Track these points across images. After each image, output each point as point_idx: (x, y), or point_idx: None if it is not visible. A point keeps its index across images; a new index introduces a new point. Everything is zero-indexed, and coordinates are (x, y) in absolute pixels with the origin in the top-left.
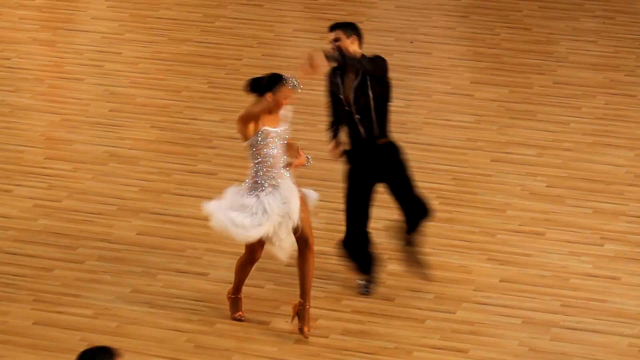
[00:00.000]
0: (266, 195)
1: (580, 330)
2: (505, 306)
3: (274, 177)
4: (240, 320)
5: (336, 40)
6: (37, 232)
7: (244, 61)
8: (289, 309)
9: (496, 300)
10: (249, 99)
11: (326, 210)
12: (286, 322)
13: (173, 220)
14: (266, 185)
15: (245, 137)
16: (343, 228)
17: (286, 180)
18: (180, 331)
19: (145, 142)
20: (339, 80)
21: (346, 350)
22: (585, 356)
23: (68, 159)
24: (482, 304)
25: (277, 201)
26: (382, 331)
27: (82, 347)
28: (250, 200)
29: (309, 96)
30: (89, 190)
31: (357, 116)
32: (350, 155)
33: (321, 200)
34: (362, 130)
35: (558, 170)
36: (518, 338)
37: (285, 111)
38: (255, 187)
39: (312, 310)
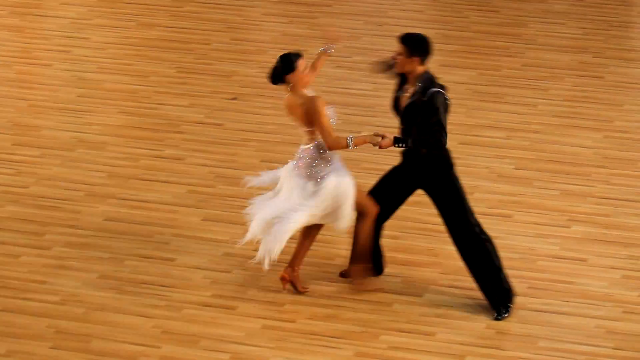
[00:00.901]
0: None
1: (547, 312)
2: (472, 289)
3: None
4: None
5: (399, 54)
6: (4, 218)
7: (212, 46)
8: (256, 294)
9: (463, 283)
10: (216, 84)
11: None
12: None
13: (140, 205)
14: (327, 164)
15: (316, 122)
16: None
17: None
18: (147, 317)
19: (113, 127)
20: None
21: (313, 334)
22: (553, 338)
23: (35, 144)
24: (449, 286)
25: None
26: (350, 315)
27: (50, 334)
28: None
29: None
30: (56, 176)
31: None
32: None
33: None
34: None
35: (526, 153)
36: (485, 321)
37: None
38: (317, 168)
39: (277, 295)
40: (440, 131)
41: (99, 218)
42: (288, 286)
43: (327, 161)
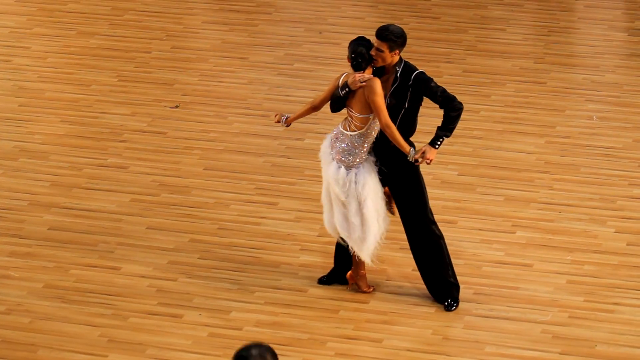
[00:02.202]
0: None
1: (493, 317)
2: (417, 295)
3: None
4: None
5: (379, 50)
6: None
7: (153, 54)
8: (202, 302)
9: (409, 289)
10: (158, 92)
11: (237, 202)
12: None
13: (85, 214)
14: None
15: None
16: (253, 219)
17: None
18: (93, 326)
19: (55, 136)
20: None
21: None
22: (498, 343)
23: None
24: (395, 293)
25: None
26: (296, 322)
27: None
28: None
29: (219, 88)
30: None
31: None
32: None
33: (231, 192)
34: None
35: (468, 159)
36: (432, 327)
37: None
38: (352, 157)
39: (223, 303)
40: (445, 90)
41: (43, 227)
42: (353, 286)
43: (364, 153)
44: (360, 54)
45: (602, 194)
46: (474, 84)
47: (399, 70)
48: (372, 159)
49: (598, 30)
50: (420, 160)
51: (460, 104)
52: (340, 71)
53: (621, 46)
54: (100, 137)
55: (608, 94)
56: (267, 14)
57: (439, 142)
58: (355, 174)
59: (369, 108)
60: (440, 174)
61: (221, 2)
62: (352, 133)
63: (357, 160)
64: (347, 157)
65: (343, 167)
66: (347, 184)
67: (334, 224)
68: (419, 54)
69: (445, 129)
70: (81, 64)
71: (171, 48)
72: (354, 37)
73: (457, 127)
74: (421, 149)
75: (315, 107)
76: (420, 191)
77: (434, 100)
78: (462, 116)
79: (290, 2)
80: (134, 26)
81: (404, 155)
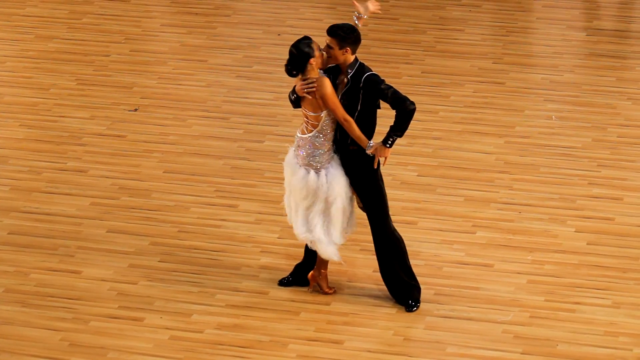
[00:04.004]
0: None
1: (454, 318)
2: (378, 297)
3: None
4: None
5: (329, 47)
6: None
7: (111, 57)
8: (163, 305)
9: (370, 290)
10: (117, 95)
11: (197, 205)
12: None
13: (44, 218)
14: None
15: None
16: (213, 222)
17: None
18: (54, 330)
19: (14, 140)
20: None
21: (221, 344)
22: (460, 344)
23: None
24: (355, 294)
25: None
26: (257, 324)
27: None
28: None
29: (178, 91)
30: None
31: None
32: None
33: (191, 195)
34: (337, 133)
35: (428, 159)
36: (393, 328)
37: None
38: (318, 158)
39: (184, 305)
40: (397, 91)
41: (3, 232)
42: (315, 287)
43: (328, 152)
44: (290, 55)
45: (562, 193)
46: (433, 84)
47: (351, 72)
48: (338, 159)
49: (556, 30)
50: (375, 155)
51: (413, 104)
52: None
53: (580, 46)
54: (59, 141)
55: (567, 93)
56: (226, 16)
57: (389, 142)
58: (326, 175)
59: (321, 106)
60: (400, 175)
61: (179, 4)
62: (310, 135)
63: (324, 160)
64: (313, 160)
65: (312, 171)
66: (319, 187)
67: (299, 226)
68: (377, 55)
69: (397, 129)
70: (40, 68)
71: (130, 51)
72: (313, 38)
73: (416, 128)
74: (374, 145)
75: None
76: (379, 195)
77: (386, 101)
78: (421, 117)
79: (249, 4)
80: (92, 29)
81: (364, 158)
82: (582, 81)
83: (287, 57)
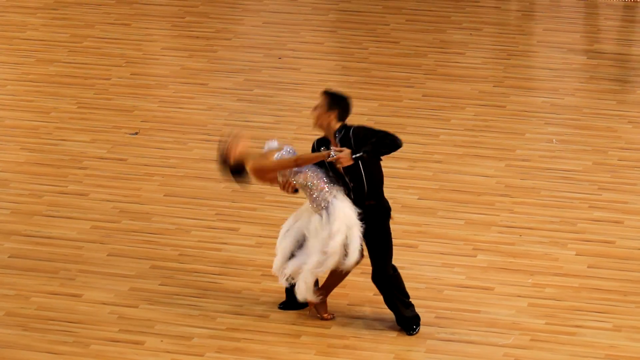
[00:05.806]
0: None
1: (455, 341)
2: (379, 320)
3: None
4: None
5: (317, 106)
6: None
7: (112, 81)
8: (164, 328)
9: (370, 314)
10: (118, 119)
11: (197, 228)
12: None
13: (45, 242)
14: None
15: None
16: (214, 245)
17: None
18: (55, 353)
19: (15, 164)
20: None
21: None
22: None
23: None
24: (356, 317)
25: None
26: (258, 348)
27: None
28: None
29: (178, 114)
30: None
31: (351, 184)
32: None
33: (192, 218)
34: (352, 194)
35: (429, 183)
36: (394, 351)
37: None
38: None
39: (185, 329)
40: (386, 132)
41: (4, 255)
42: (312, 310)
43: (325, 187)
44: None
45: (563, 216)
46: (434, 107)
47: (339, 136)
48: (342, 192)
49: (557, 53)
50: (333, 157)
51: (400, 140)
52: (298, 95)
53: (580, 69)
54: (60, 165)
55: (568, 116)
56: (227, 39)
57: (357, 155)
58: (327, 209)
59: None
60: (401, 198)
61: (180, 28)
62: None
63: (326, 195)
64: (318, 202)
65: (324, 211)
66: (326, 225)
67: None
68: (378, 78)
69: (373, 150)
70: (41, 91)
71: (131, 75)
72: (313, 61)
73: (417, 151)
74: (341, 149)
75: None
76: (388, 245)
77: (377, 136)
78: (422, 140)
79: (249, 27)
80: (93, 53)
81: (379, 212)
82: (582, 104)
83: (288, 80)
